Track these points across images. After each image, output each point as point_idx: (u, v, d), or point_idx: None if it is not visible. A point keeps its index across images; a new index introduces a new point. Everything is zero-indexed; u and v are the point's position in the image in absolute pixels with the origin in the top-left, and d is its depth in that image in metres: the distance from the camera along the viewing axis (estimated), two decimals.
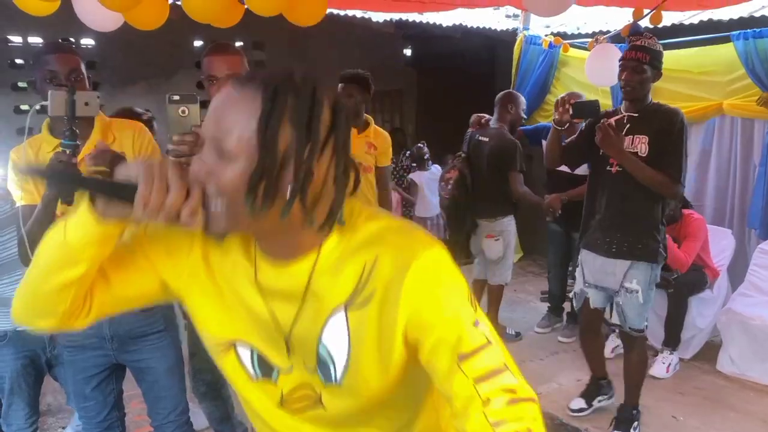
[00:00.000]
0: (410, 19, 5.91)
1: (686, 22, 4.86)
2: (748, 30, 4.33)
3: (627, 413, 3.29)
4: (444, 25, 6.08)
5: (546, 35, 5.77)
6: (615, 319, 3.19)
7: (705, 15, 4.64)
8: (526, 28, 5.98)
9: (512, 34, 6.07)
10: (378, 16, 5.96)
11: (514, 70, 5.98)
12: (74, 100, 1.82)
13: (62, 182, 0.99)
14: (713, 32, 4.52)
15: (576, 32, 5.76)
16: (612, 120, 3.00)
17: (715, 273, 4.33)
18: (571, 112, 2.99)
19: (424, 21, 5.94)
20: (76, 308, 1.02)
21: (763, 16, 4.50)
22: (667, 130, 2.93)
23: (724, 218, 4.85)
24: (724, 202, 4.86)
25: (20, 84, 5.32)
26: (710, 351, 4.21)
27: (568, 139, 3.41)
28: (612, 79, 3.52)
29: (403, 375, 1.01)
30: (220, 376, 1.14)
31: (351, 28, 6.16)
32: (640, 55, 2.93)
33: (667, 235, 3.25)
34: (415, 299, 0.95)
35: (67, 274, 0.96)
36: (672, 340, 4.11)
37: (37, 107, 1.91)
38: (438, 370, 0.94)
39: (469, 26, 6.16)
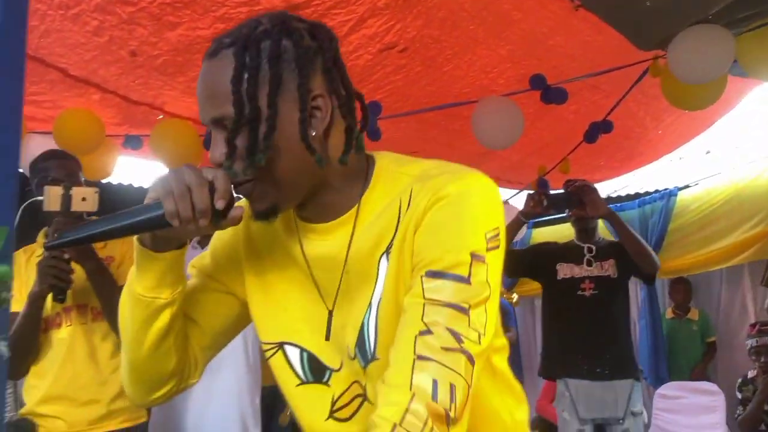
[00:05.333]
0: None
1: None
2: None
3: None
4: None
5: None
6: None
7: None
8: None
9: None
10: None
11: None
12: (70, 195, 1.74)
13: (79, 236, 0.84)
14: None
15: None
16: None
17: None
18: (545, 203, 2.91)
19: None
20: (184, 364, 0.97)
21: (618, 196, 5.32)
22: (625, 252, 2.98)
23: None
24: None
25: None
26: None
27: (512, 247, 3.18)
28: None
29: None
30: None
31: None
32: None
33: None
34: (428, 222, 0.81)
35: (156, 326, 0.90)
36: None
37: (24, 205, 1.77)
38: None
39: None
